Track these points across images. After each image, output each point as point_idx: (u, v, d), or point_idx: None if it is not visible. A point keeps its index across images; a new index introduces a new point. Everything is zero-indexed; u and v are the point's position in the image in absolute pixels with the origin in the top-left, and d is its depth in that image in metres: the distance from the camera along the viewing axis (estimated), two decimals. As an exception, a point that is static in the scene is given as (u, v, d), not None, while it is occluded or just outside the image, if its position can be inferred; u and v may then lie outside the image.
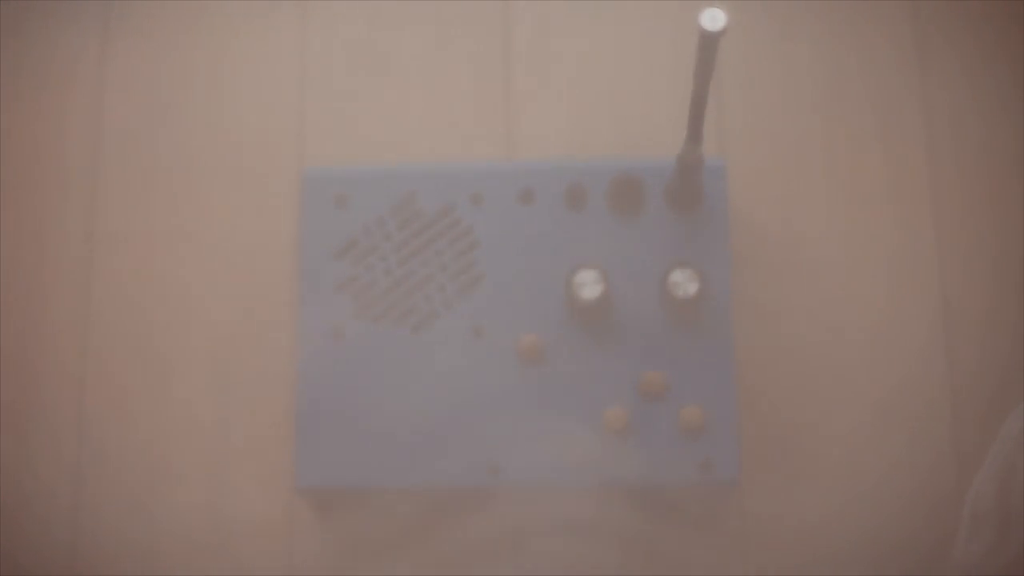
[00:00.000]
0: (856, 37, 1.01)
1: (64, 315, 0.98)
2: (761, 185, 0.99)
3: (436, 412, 0.89)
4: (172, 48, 1.02)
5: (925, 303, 0.96)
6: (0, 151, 1.01)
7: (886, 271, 0.97)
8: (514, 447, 0.89)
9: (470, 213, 0.92)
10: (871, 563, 0.93)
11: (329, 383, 0.90)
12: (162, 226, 0.99)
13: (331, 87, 1.01)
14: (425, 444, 0.89)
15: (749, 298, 0.97)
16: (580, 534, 0.93)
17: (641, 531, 0.93)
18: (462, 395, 0.90)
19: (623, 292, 0.91)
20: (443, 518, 0.94)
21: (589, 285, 0.90)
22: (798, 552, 0.93)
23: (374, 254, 0.92)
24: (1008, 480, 0.81)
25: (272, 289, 0.98)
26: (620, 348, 0.90)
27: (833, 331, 0.96)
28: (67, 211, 1.00)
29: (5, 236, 0.99)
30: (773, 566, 0.93)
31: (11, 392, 0.97)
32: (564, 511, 0.93)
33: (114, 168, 1.00)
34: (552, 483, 0.89)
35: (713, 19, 0.75)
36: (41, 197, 1.00)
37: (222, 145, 1.01)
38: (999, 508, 0.81)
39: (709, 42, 0.76)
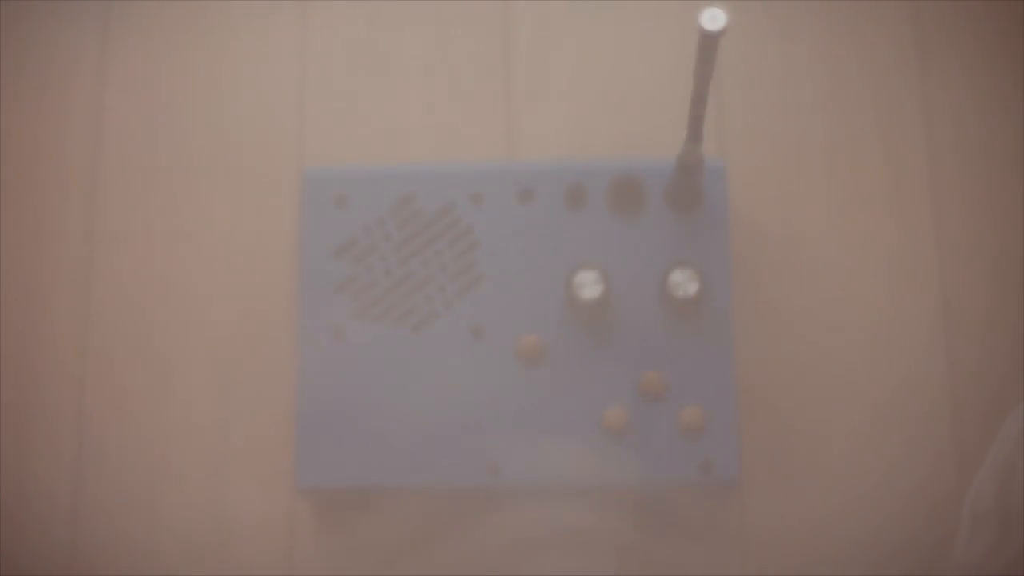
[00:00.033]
0: (856, 37, 1.01)
1: (64, 315, 0.98)
2: (761, 185, 0.99)
3: (436, 412, 0.89)
4: (172, 48, 1.02)
5: (925, 303, 0.96)
6: (0, 151, 1.01)
7: (886, 271, 0.97)
8: (514, 447, 0.89)
9: (470, 213, 0.92)
10: (871, 563, 0.93)
11: (329, 383, 0.90)
12: (162, 226, 0.99)
13: (331, 87, 1.01)
14: (425, 444, 0.89)
15: (749, 298, 0.97)
16: (579, 534, 0.93)
17: (641, 531, 0.93)
18: (462, 395, 0.90)
19: (623, 292, 0.91)
20: (443, 518, 0.94)
21: (589, 285, 0.90)
22: (798, 552, 0.93)
23: (374, 254, 0.92)
24: (1008, 480, 0.81)
25: (272, 289, 0.98)
26: (620, 348, 0.90)
27: (833, 331, 0.96)
28: (67, 211, 1.00)
29: (5, 236, 0.99)
30: (773, 566, 0.93)
31: (11, 392, 0.97)
32: (563, 511, 0.93)
33: (114, 168, 1.00)
34: (552, 483, 0.89)
35: (713, 19, 0.75)
36: (41, 197, 1.00)
37: (222, 145, 1.01)
38: (999, 508, 0.81)
39: (709, 42, 0.76)
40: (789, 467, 0.94)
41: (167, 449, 0.96)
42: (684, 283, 0.89)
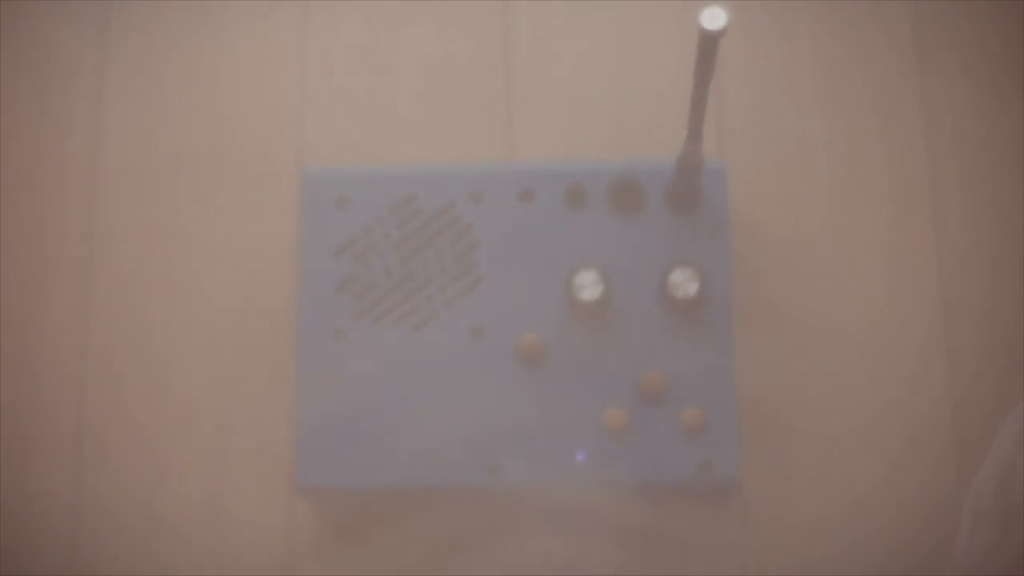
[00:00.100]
0: (856, 37, 1.01)
1: (64, 315, 0.98)
2: (761, 185, 0.99)
3: (436, 412, 0.89)
4: (172, 48, 1.02)
5: (925, 303, 0.96)
6: (0, 151, 1.01)
7: (886, 271, 0.97)
8: (514, 447, 0.89)
9: (470, 213, 0.92)
10: (871, 563, 0.93)
11: (329, 383, 0.90)
12: (162, 226, 0.99)
13: (331, 87, 1.01)
14: (425, 444, 0.89)
15: (749, 298, 0.97)
16: (580, 534, 0.93)
17: (641, 531, 0.93)
18: (462, 395, 0.90)
19: (623, 292, 0.91)
20: (443, 518, 0.94)
21: (589, 286, 0.90)
22: (798, 552, 0.93)
23: (374, 254, 0.92)
24: (1009, 479, 0.81)
25: (272, 289, 0.98)
26: (620, 348, 0.90)
27: (833, 331, 0.96)
28: (67, 210, 1.00)
29: (5, 236, 0.99)
30: (773, 566, 0.93)
31: (11, 392, 0.97)
32: (564, 511, 0.93)
33: (114, 168, 1.00)
34: (552, 483, 0.89)
35: (713, 18, 0.75)
36: (41, 197, 1.00)
37: (222, 145, 1.01)
38: (999, 507, 0.81)
39: (709, 41, 0.76)
40: (789, 467, 0.94)
41: (167, 449, 0.96)
42: (684, 283, 0.89)
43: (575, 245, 0.92)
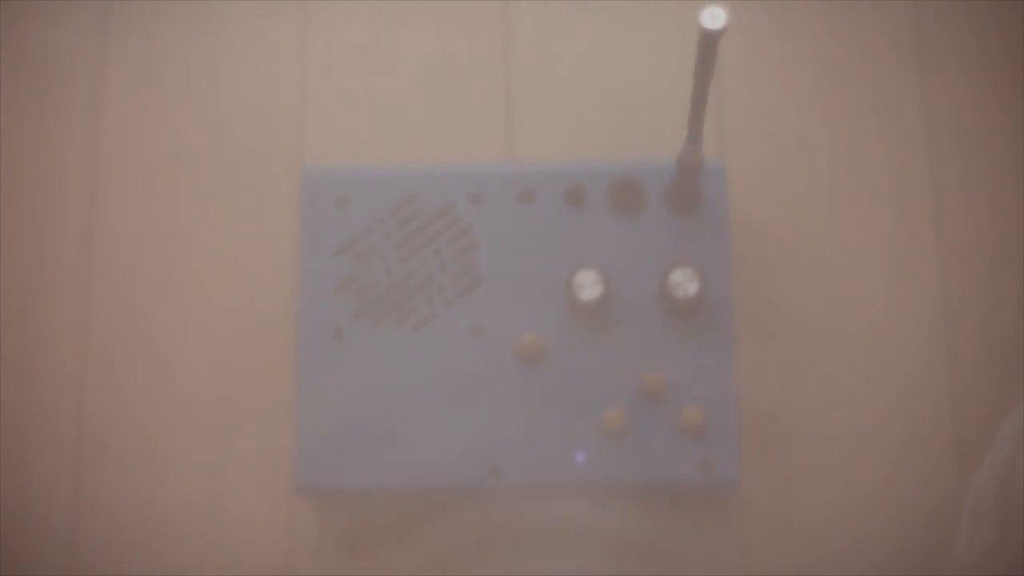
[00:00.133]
0: (856, 37, 1.01)
1: (64, 315, 0.98)
2: (761, 185, 0.98)
3: (436, 412, 0.89)
4: (172, 47, 1.02)
5: (925, 303, 0.96)
6: (0, 151, 1.01)
7: (886, 271, 0.97)
8: (514, 447, 0.89)
9: (470, 213, 0.92)
10: (871, 563, 0.93)
11: (329, 383, 0.90)
12: (162, 225, 0.99)
13: (331, 87, 1.01)
14: (425, 444, 0.89)
15: (749, 298, 0.97)
16: (579, 535, 0.93)
17: (641, 532, 0.93)
18: (462, 395, 0.89)
19: (623, 292, 0.91)
20: (443, 518, 0.94)
21: (589, 286, 0.90)
22: (798, 552, 0.93)
23: (374, 254, 0.92)
24: (1009, 478, 0.81)
25: (272, 289, 0.98)
26: (620, 348, 0.90)
27: (833, 331, 0.96)
28: (66, 210, 1.00)
29: (5, 236, 0.99)
30: (773, 566, 0.93)
31: (11, 392, 0.97)
32: (564, 512, 0.93)
33: (114, 168, 1.00)
34: (551, 483, 0.89)
35: (713, 18, 0.75)
36: (41, 196, 1.00)
37: (222, 145, 1.00)
38: (999, 507, 0.81)
39: (709, 41, 0.76)
40: (789, 467, 0.94)
41: (167, 449, 0.96)
42: (684, 283, 0.89)
43: (575, 245, 0.91)
